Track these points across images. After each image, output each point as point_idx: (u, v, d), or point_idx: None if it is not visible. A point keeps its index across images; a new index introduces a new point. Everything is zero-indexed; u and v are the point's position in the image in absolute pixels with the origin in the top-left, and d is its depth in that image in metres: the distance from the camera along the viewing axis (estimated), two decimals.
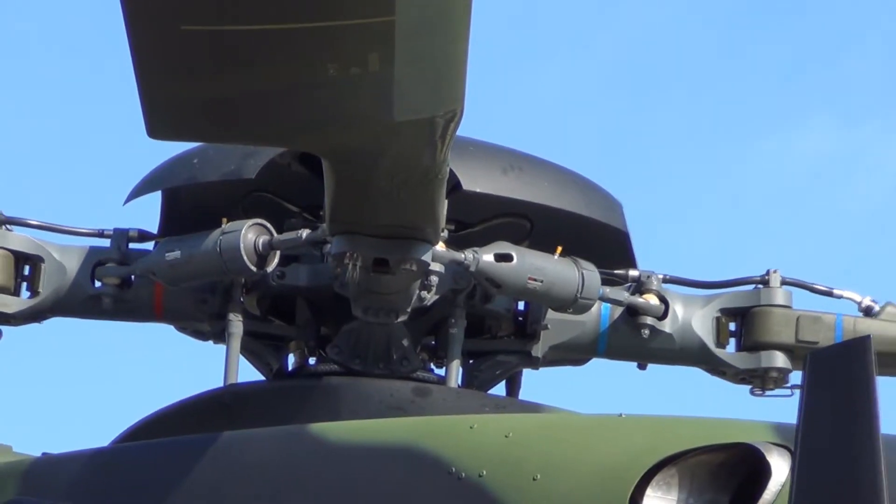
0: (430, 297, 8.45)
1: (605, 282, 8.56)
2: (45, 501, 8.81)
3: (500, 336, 9.05)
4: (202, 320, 9.00)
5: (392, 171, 7.90)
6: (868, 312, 8.93)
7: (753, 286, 9.14)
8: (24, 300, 8.92)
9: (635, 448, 7.40)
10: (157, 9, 6.54)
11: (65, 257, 9.13)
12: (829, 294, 9.00)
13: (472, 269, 8.39)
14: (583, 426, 8.05)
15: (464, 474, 7.63)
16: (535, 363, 9.07)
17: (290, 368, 8.97)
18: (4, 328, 9.08)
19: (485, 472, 7.59)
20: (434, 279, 8.35)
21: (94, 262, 8.99)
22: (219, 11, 6.66)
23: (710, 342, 8.98)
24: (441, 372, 8.72)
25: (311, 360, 8.83)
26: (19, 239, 9.01)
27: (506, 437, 7.85)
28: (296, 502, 8.29)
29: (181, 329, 9.35)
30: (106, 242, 8.91)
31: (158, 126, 7.11)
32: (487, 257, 8.42)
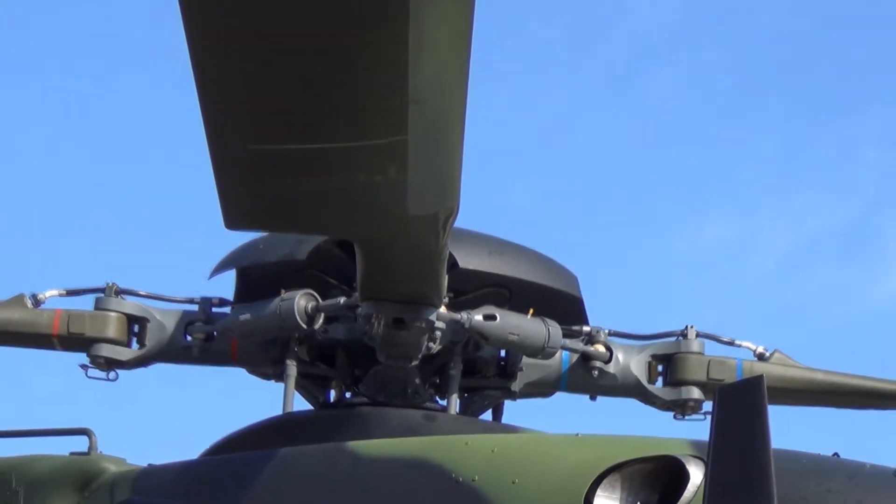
0: (435, 347, 8.60)
1: (565, 335, 8.85)
2: (151, 501, 8.75)
3: (487, 376, 9.31)
4: (266, 365, 9.17)
5: (406, 253, 8.11)
6: (761, 358, 9.30)
7: (675, 337, 9.35)
8: (133, 350, 8.97)
9: (588, 459, 7.57)
10: (231, 132, 6.76)
11: (165, 318, 9.09)
12: (731, 343, 9.33)
13: (467, 326, 8.55)
14: (548, 442, 8.40)
15: (461, 479, 7.84)
16: (513, 396, 9.33)
17: (331, 400, 9.23)
18: (119, 371, 9.16)
19: (477, 478, 7.77)
20: (438, 334, 8.50)
21: (186, 322, 9.03)
22: (276, 135, 6.84)
23: (643, 380, 9.20)
24: (443, 402, 9.00)
25: (347, 394, 9.13)
26: (131, 305, 9.06)
27: (492, 451, 8.10)
28: (337, 502, 8.35)
29: (251, 371, 9.47)
30: (195, 307, 9.04)
31: (233, 220, 7.38)
32: (478, 317, 8.57)
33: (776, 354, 9.27)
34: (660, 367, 9.28)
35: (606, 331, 9.11)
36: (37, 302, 8.99)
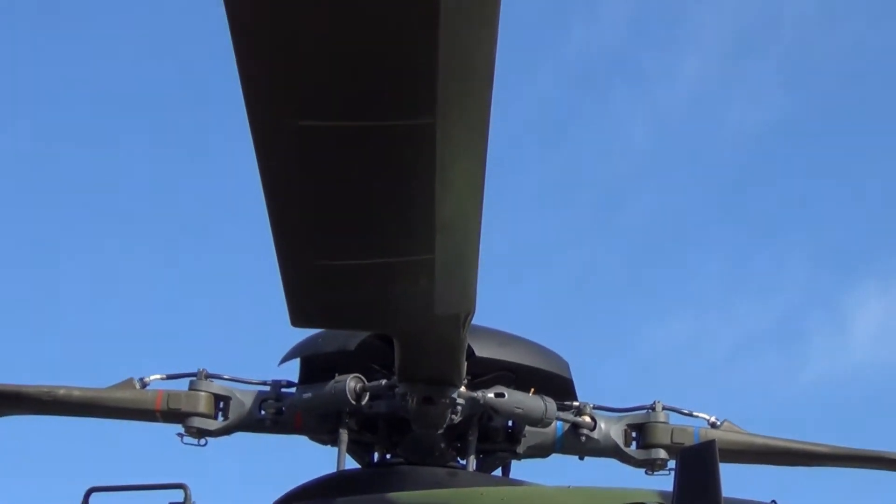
0: (456, 419, 8.64)
1: (559, 409, 9.00)
2: None
3: (497, 441, 9.27)
4: (324, 434, 9.21)
5: (433, 345, 8.13)
6: (713, 426, 9.40)
7: (646, 410, 9.44)
8: (219, 422, 9.11)
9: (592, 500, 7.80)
10: (298, 252, 7.05)
11: (244, 397, 9.23)
12: (690, 414, 9.48)
13: (481, 402, 8.66)
14: (546, 494, 8.50)
15: None
16: (518, 457, 9.38)
17: (375, 461, 9.33)
18: (209, 439, 9.25)
19: None
20: (459, 408, 8.58)
21: (261, 400, 9.15)
22: (336, 254, 7.10)
23: (621, 444, 9.24)
24: (463, 462, 9.04)
25: (388, 456, 9.27)
26: (217, 386, 9.17)
27: (501, 500, 8.11)
28: None
29: (311, 439, 9.41)
30: (267, 388, 9.19)
31: (297, 320, 7.65)
32: (490, 395, 8.70)
33: (725, 423, 9.42)
34: (633, 434, 9.33)
35: (591, 405, 9.25)
36: (143, 384, 9.08)
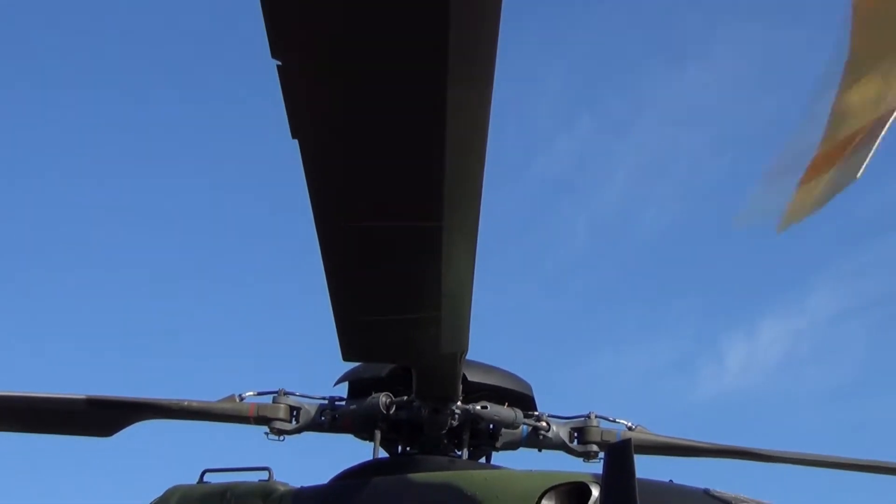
0: (455, 423, 8.68)
1: (525, 417, 9.06)
2: None
3: (482, 438, 9.13)
4: (364, 433, 9.01)
5: (439, 372, 8.29)
6: (630, 429, 9.28)
7: (583, 417, 9.28)
8: (293, 425, 9.01)
9: (539, 484, 7.55)
10: (350, 310, 7.11)
11: (310, 408, 9.05)
12: (614, 421, 9.36)
13: (472, 412, 8.73)
14: (514, 474, 8.36)
15: (468, 493, 7.77)
16: (496, 450, 9.27)
17: (399, 452, 9.15)
18: (286, 437, 9.05)
19: (477, 494, 7.68)
20: (456, 416, 8.66)
21: (322, 410, 9.03)
22: (371, 311, 7.27)
23: (567, 441, 9.19)
24: (459, 453, 8.89)
25: (408, 448, 9.05)
26: (292, 400, 9.04)
27: (485, 479, 8.14)
28: (404, 501, 8.27)
29: (356, 436, 9.17)
30: (325, 401, 9.05)
31: (347, 356, 7.79)
32: (478, 407, 8.78)
33: (639, 427, 9.37)
34: (575, 434, 9.29)
35: (546, 414, 9.28)
36: (241, 398, 9.07)
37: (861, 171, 3.96)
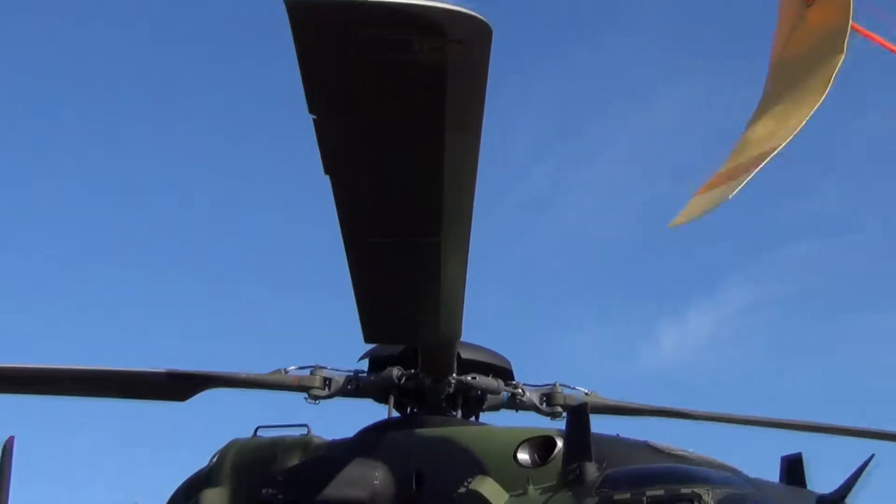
0: (451, 391, 8.55)
1: (505, 385, 8.92)
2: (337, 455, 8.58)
3: (472, 402, 8.89)
4: (382, 398, 8.79)
5: (440, 353, 8.21)
6: (587, 395, 8.98)
7: (551, 386, 9.10)
8: (326, 392, 8.71)
9: (516, 436, 7.59)
10: (370, 304, 7.07)
11: (340, 378, 8.77)
12: (574, 388, 9.14)
13: (464, 382, 8.58)
14: (496, 430, 8.32)
15: (463, 444, 7.75)
16: (483, 410, 9.03)
17: (409, 413, 8.84)
18: (321, 401, 8.73)
19: (471, 443, 7.73)
20: (452, 385, 8.52)
21: (349, 380, 8.80)
22: (389, 307, 7.40)
23: (538, 404, 9.03)
24: (455, 413, 8.69)
25: (415, 410, 8.81)
26: (326, 372, 8.79)
27: (474, 434, 8.17)
28: (417, 456, 8.00)
29: (375, 400, 8.92)
30: (352, 373, 8.78)
31: (368, 339, 7.88)
32: (468, 378, 8.61)
33: (593, 393, 9.18)
34: (544, 398, 9.13)
35: (522, 383, 9.11)
36: (286, 371, 8.87)
37: (735, 192, 3.95)
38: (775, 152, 3.91)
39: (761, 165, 3.91)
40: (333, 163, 5.24)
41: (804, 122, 3.80)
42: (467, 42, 4.32)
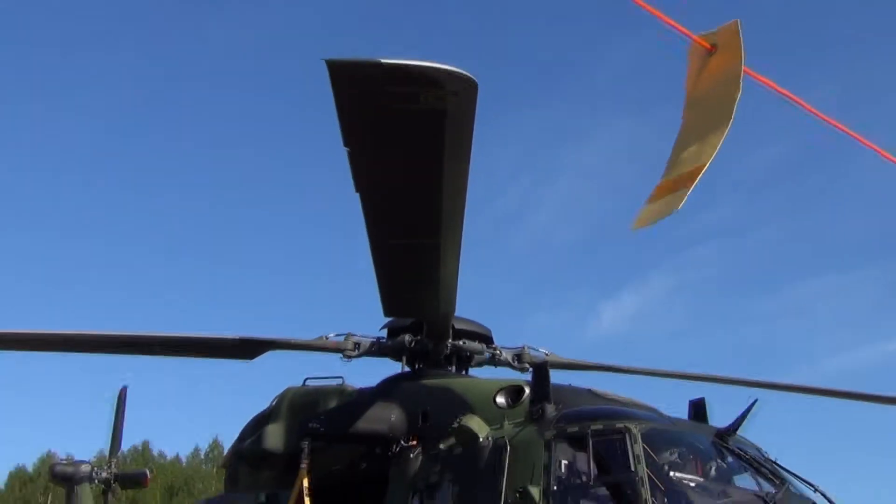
0: (447, 352, 8.40)
1: (487, 347, 8.74)
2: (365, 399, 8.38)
3: (463, 361, 8.68)
4: (397, 357, 8.58)
5: (440, 324, 8.07)
6: (547, 355, 8.71)
7: (521, 347, 8.84)
8: (356, 353, 8.43)
9: (496, 386, 7.40)
10: (389, 285, 6.84)
11: (366, 343, 8.50)
12: (537, 350, 8.83)
13: (458, 346, 8.47)
14: (481, 381, 7.96)
15: (458, 391, 7.69)
16: (471, 367, 8.78)
17: (416, 369, 8.52)
18: (353, 360, 8.47)
19: (465, 391, 7.67)
20: (448, 348, 8.39)
21: (372, 344, 8.57)
22: (401, 289, 7.06)
23: (511, 362, 8.77)
24: (450, 368, 8.51)
25: (421, 366, 8.56)
26: (356, 337, 8.49)
27: (466, 383, 7.95)
28: (423, 399, 7.88)
29: (391, 359, 8.72)
30: (376, 339, 8.54)
31: (387, 314, 7.61)
32: (460, 343, 8.49)
33: (552, 354, 8.90)
34: (516, 357, 8.85)
35: (500, 346, 8.86)
36: (326, 338, 8.57)
37: (681, 204, 3.94)
38: (703, 170, 3.91)
39: (696, 181, 3.91)
40: (362, 183, 5.24)
41: (719, 146, 3.83)
42: (459, 93, 4.41)
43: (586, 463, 6.05)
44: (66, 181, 75.39)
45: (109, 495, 12.58)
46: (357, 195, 5.28)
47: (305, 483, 7.56)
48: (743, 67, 3.69)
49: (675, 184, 3.91)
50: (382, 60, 4.20)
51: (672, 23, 3.64)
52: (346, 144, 4.76)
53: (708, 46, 3.86)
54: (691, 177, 3.78)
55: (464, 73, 4.31)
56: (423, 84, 4.32)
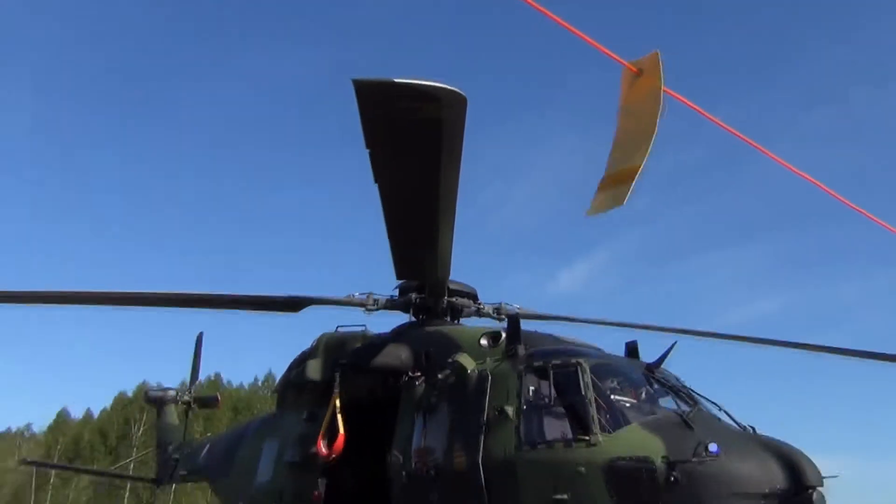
0: (444, 306, 8.27)
1: (475, 303, 8.53)
2: (374, 342, 8.07)
3: (456, 313, 8.45)
4: (406, 311, 8.40)
5: (437, 285, 7.83)
6: (519, 309, 8.45)
7: (499, 304, 8.64)
8: (375, 307, 8.24)
9: (481, 332, 7.27)
10: (401, 250, 6.47)
11: (383, 299, 8.31)
12: (511, 305, 8.61)
13: (451, 302, 8.33)
14: (471, 328, 7.86)
15: (453, 336, 7.57)
16: (461, 317, 8.56)
17: (420, 319, 8.37)
18: (372, 313, 8.28)
19: (459, 336, 7.55)
20: (445, 303, 8.24)
21: (387, 300, 8.37)
22: (409, 254, 6.60)
23: (492, 314, 8.56)
24: (447, 319, 8.34)
25: (424, 318, 8.36)
26: (376, 295, 8.28)
27: (458, 330, 7.81)
28: (425, 342, 7.62)
29: (402, 312, 8.46)
30: (390, 295, 8.39)
31: (399, 277, 7.29)
32: (454, 299, 8.37)
33: (522, 308, 8.66)
34: (495, 310, 8.62)
35: (483, 302, 8.62)
36: (353, 295, 8.21)
37: (626, 200, 3.83)
38: (639, 171, 3.79)
39: (634, 179, 3.79)
40: (379, 176, 5.13)
41: (649, 151, 3.73)
42: (452, 106, 4.35)
43: (548, 389, 6.06)
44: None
45: (189, 414, 12.79)
46: (375, 186, 5.16)
47: (338, 403, 7.55)
48: (663, 87, 3.62)
49: (616, 179, 3.79)
50: (395, 80, 4.13)
51: (609, 52, 3.60)
52: (367, 146, 4.65)
53: (635, 70, 3.80)
54: (630, 175, 3.67)
55: (455, 90, 4.25)
56: (424, 98, 4.26)
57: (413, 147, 4.85)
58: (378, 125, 4.57)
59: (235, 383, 49.54)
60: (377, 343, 8.05)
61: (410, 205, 5.70)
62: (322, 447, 7.33)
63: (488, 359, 6.85)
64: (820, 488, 4.94)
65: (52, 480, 40.73)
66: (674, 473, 4.86)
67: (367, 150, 4.73)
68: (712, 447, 4.92)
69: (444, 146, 4.73)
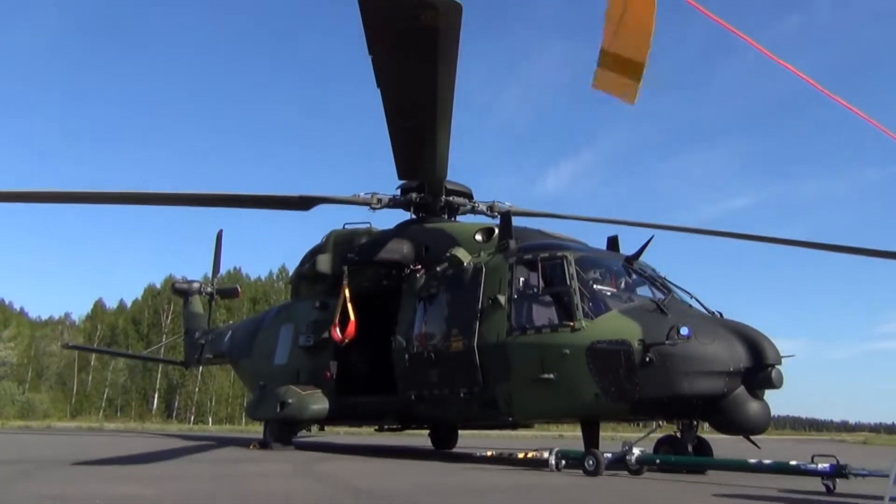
0: (442, 204, 8.07)
1: (469, 202, 8.27)
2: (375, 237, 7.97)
3: (454, 211, 8.20)
4: (408, 210, 8.28)
5: (436, 185, 7.64)
6: (510, 206, 8.20)
7: (491, 202, 8.43)
8: (380, 206, 7.99)
9: (477, 227, 7.14)
10: (403, 152, 6.24)
11: (386, 198, 8.11)
12: (504, 203, 8.34)
13: (448, 200, 8.08)
14: (468, 224, 7.64)
15: (448, 230, 7.47)
16: (458, 215, 8.34)
17: (420, 216, 8.24)
18: (377, 211, 7.98)
19: (454, 232, 7.39)
20: (443, 202, 8.01)
21: (390, 199, 8.17)
22: (408, 158, 6.40)
23: (486, 211, 8.34)
24: (444, 216, 8.15)
25: (424, 215, 8.22)
26: (380, 195, 8.06)
27: (456, 226, 7.52)
28: (425, 237, 7.50)
29: (404, 210, 8.28)
30: (393, 195, 8.16)
31: (401, 177, 7.05)
32: (450, 198, 8.05)
33: (512, 205, 8.39)
34: (489, 208, 8.33)
35: (478, 201, 8.40)
36: (360, 195, 7.92)
37: (635, 100, 3.60)
38: (644, 66, 3.49)
39: (641, 76, 3.50)
40: (381, 81, 5.04)
41: (650, 42, 3.43)
42: (448, 14, 4.28)
43: (537, 280, 6.16)
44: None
45: (212, 303, 13.14)
46: (378, 90, 5.08)
47: (347, 293, 7.62)
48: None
49: (621, 66, 3.49)
50: None
51: None
52: (370, 52, 4.58)
53: None
54: (635, 70, 3.40)
55: None
56: (423, 6, 4.19)
57: (412, 53, 4.74)
58: (380, 32, 4.48)
59: (253, 276, 50.42)
60: (381, 239, 8.05)
61: (411, 108, 5.58)
62: (336, 333, 7.45)
63: (482, 252, 6.95)
64: (779, 366, 5.04)
65: (92, 363, 43.15)
66: (649, 354, 5.05)
67: (370, 56, 4.62)
68: (683, 330, 5.07)
69: (442, 51, 4.63)
